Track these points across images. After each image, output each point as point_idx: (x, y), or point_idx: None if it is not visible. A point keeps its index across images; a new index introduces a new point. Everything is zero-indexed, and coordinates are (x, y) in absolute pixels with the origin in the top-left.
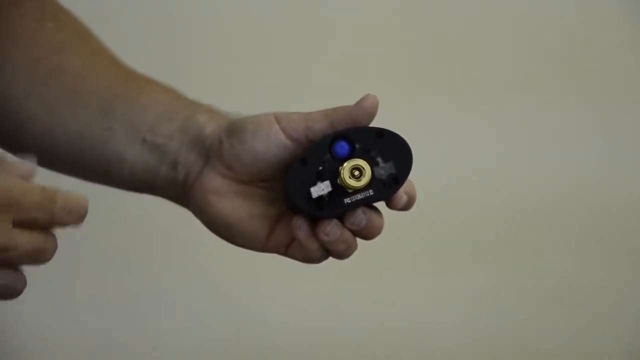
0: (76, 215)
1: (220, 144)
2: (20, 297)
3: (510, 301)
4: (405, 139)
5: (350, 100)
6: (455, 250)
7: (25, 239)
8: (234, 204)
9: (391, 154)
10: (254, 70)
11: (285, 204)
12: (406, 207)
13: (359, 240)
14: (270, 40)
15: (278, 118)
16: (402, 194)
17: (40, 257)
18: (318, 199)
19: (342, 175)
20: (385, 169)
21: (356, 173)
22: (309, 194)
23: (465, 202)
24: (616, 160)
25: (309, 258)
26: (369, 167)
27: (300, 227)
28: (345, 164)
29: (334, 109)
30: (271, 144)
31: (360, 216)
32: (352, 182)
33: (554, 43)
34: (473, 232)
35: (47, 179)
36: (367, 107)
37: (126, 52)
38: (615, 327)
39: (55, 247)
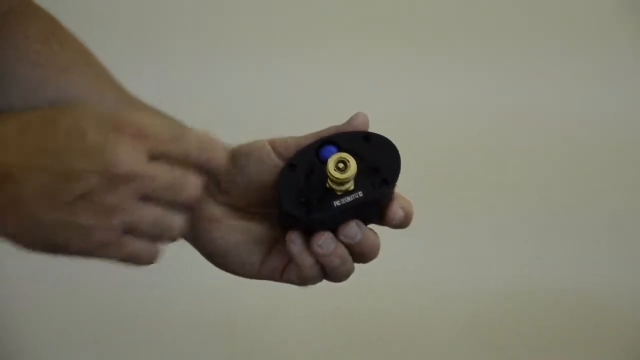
0: (210, 156)
1: None
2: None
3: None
4: (392, 141)
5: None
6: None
7: (162, 170)
8: (230, 231)
9: (379, 157)
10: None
11: (278, 219)
12: (403, 223)
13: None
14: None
15: (272, 142)
16: (397, 208)
17: (180, 192)
18: (307, 202)
19: (327, 169)
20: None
21: (341, 165)
22: (298, 197)
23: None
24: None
25: (304, 276)
26: (354, 160)
27: (294, 242)
28: (330, 158)
29: (326, 129)
30: (265, 167)
31: (354, 228)
32: (337, 174)
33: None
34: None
35: None
36: (358, 125)
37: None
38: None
39: (198, 188)
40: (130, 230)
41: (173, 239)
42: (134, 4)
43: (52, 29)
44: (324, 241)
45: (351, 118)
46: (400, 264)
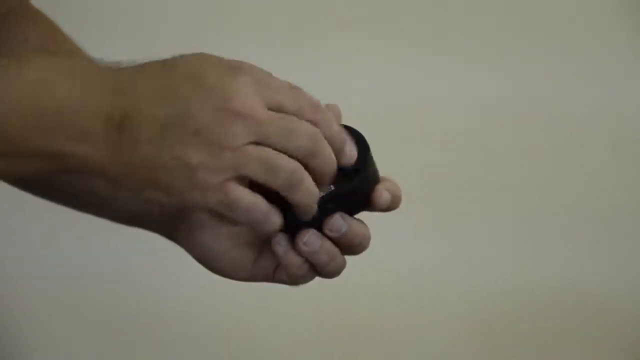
0: (322, 116)
1: None
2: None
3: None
4: (359, 130)
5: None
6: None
7: (277, 116)
8: (218, 236)
9: None
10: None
11: None
12: (391, 205)
13: None
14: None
15: None
16: (382, 191)
17: (295, 139)
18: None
19: None
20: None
21: None
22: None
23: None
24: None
25: (294, 276)
26: None
27: (279, 243)
28: None
29: None
30: None
31: (338, 221)
32: None
33: None
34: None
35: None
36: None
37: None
38: None
39: (313, 138)
40: (238, 175)
41: (289, 186)
42: (134, 5)
43: (51, 33)
44: (309, 238)
45: None
46: (399, 263)
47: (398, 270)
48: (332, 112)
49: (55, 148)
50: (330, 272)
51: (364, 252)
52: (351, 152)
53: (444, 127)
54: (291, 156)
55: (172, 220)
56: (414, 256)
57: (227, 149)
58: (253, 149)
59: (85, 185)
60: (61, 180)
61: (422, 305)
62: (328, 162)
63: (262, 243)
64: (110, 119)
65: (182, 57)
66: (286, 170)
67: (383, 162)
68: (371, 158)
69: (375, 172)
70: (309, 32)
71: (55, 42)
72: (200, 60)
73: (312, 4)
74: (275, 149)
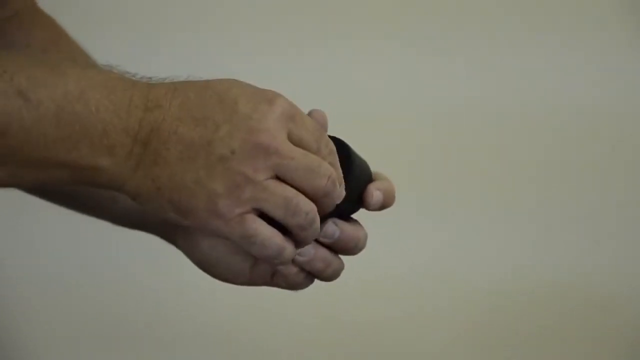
0: (335, 159)
1: None
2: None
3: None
4: (343, 140)
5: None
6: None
7: (301, 154)
8: (216, 242)
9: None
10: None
11: None
12: (384, 204)
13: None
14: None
15: None
16: (373, 191)
17: (314, 178)
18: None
19: None
20: None
21: None
22: None
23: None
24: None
25: (291, 284)
26: None
27: None
28: None
29: None
30: None
31: (331, 227)
32: None
33: None
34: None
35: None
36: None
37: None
38: None
39: (333, 181)
40: (260, 210)
41: (303, 227)
42: (135, 3)
43: (54, 37)
44: (303, 248)
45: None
46: (398, 264)
47: (398, 271)
48: (318, 119)
49: (80, 160)
50: (327, 277)
51: (364, 253)
52: (342, 192)
53: (443, 128)
54: (306, 193)
55: (172, 225)
56: (414, 256)
57: (249, 181)
58: (274, 185)
59: (101, 195)
60: (78, 190)
61: (421, 306)
62: (334, 202)
63: None
64: (138, 135)
65: (215, 80)
66: (303, 212)
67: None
68: (354, 161)
69: (364, 171)
70: (308, 32)
71: (57, 47)
72: (233, 86)
73: (312, 4)
74: (293, 186)
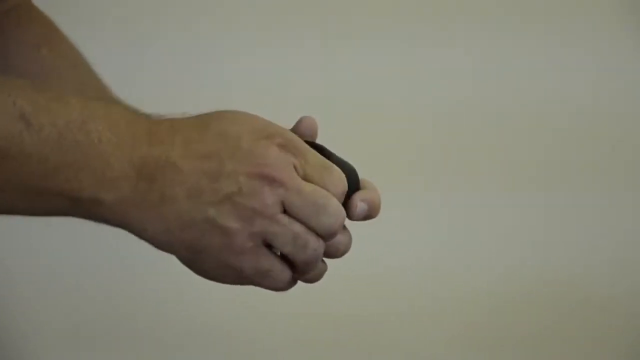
0: (340, 191)
1: None
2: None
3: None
4: (331, 150)
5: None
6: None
7: (307, 185)
8: None
9: None
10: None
11: None
12: (369, 215)
13: None
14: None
15: None
16: (357, 203)
17: (322, 214)
18: None
19: None
20: None
21: None
22: None
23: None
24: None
25: (276, 286)
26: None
27: None
28: None
29: None
30: None
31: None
32: None
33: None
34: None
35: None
36: (304, 130)
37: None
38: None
39: (340, 217)
40: (269, 243)
41: (308, 263)
42: (134, 3)
43: (46, 34)
44: None
45: (297, 123)
46: (397, 262)
47: (397, 270)
48: (308, 125)
49: (81, 191)
50: (310, 279)
51: (363, 252)
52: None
53: (443, 127)
54: (314, 229)
55: None
56: (413, 255)
57: (258, 214)
58: (285, 221)
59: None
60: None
61: (420, 305)
62: (332, 233)
63: None
64: (142, 169)
65: (214, 115)
66: (311, 249)
67: (382, 161)
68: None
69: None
70: (308, 32)
71: (51, 44)
72: (234, 121)
73: (312, 4)
74: (301, 221)
